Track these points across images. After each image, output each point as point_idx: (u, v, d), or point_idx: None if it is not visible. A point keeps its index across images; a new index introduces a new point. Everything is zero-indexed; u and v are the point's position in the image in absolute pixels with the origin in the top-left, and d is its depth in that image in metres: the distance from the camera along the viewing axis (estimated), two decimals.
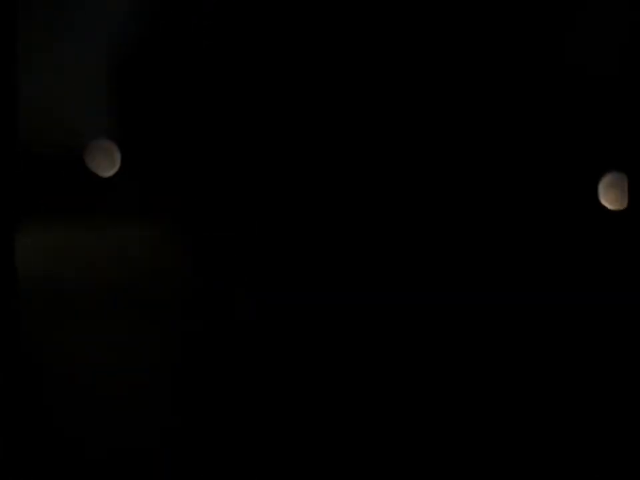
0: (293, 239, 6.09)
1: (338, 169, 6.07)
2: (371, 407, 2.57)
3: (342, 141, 6.02)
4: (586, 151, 5.30)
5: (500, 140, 5.66)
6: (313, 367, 3.15)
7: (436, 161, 5.79)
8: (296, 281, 5.02)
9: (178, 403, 2.65)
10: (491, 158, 5.67)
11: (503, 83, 5.61)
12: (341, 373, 3.04)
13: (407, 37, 5.75)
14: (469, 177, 5.72)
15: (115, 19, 6.31)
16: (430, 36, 5.72)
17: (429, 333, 3.70)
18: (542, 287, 4.50)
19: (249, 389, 2.83)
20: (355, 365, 3.16)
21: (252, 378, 2.99)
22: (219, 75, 6.42)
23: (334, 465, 2.08)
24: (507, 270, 4.96)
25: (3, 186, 1.71)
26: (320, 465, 2.08)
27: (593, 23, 5.32)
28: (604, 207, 4.83)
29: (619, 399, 2.59)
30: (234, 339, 3.65)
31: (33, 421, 2.27)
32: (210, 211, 6.46)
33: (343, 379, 2.95)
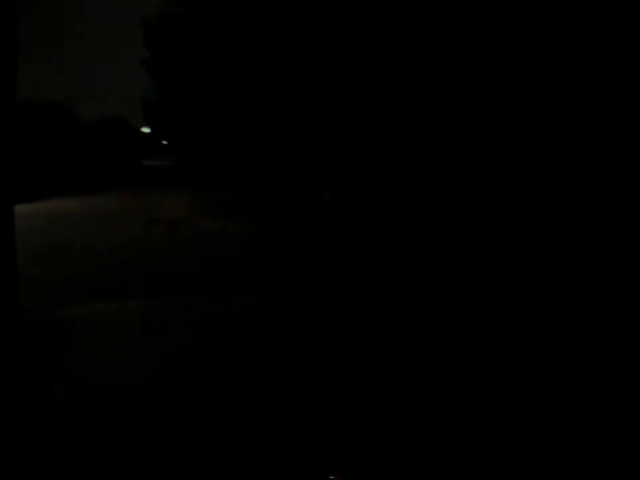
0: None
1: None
2: (373, 407, 2.57)
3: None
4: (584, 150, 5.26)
5: (511, 139, 5.59)
6: (320, 364, 3.15)
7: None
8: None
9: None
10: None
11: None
12: (347, 371, 3.03)
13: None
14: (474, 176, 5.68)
15: None
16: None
17: (430, 332, 3.69)
18: (541, 287, 4.49)
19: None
20: (362, 363, 3.15)
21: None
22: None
23: (332, 462, 2.08)
24: (508, 269, 4.95)
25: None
26: (318, 461, 2.08)
27: None
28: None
29: (619, 399, 2.58)
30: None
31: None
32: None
33: (347, 377, 2.94)
